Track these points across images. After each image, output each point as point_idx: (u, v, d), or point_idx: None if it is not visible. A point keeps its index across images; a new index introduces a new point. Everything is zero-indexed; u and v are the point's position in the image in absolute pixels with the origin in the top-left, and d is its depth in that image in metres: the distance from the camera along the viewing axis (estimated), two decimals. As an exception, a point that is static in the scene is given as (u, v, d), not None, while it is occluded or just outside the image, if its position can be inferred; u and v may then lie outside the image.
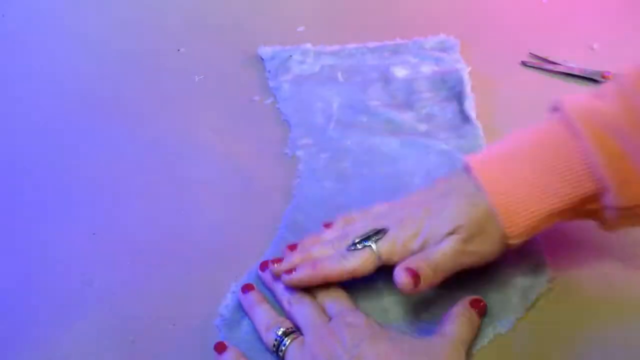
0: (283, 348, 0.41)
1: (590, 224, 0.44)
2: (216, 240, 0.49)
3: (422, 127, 0.59)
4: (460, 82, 0.62)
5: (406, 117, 0.60)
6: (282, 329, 0.42)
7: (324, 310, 0.43)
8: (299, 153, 0.56)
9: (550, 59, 0.66)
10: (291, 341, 0.41)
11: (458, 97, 0.61)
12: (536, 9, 0.74)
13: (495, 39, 0.69)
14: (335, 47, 0.67)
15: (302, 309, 0.43)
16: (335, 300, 0.43)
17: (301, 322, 0.42)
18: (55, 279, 0.47)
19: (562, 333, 0.43)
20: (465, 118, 0.59)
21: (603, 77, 0.63)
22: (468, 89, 0.61)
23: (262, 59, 0.66)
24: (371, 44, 0.67)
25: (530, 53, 0.67)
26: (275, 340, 0.41)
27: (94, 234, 0.50)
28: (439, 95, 0.62)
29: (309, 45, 0.66)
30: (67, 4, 0.75)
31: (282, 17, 0.72)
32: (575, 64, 0.65)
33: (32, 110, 0.61)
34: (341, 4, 0.75)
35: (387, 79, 0.63)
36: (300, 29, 0.70)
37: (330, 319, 0.42)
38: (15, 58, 0.68)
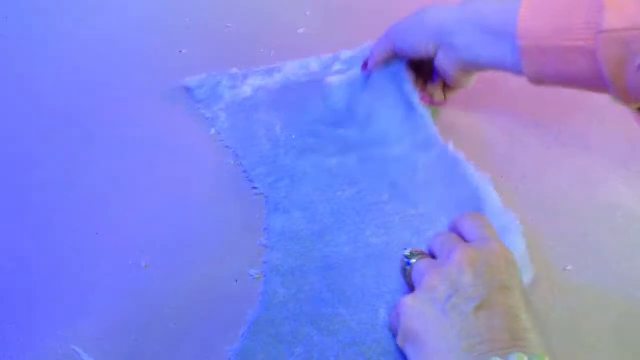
0: (407, 267, 0.43)
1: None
2: (216, 242, 0.50)
3: (370, 132, 0.57)
4: (395, 74, 0.58)
5: (352, 130, 0.58)
6: (409, 250, 0.44)
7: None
8: (257, 185, 0.54)
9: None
10: (417, 260, 0.43)
11: (398, 86, 0.58)
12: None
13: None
14: (263, 68, 0.64)
15: (438, 236, 0.44)
16: (476, 225, 0.43)
17: (435, 247, 0.44)
18: (57, 279, 0.47)
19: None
20: (409, 107, 0.57)
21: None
22: (406, 74, 0.58)
23: (190, 88, 0.62)
24: (305, 61, 0.65)
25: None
26: (402, 261, 0.44)
27: (97, 233, 0.50)
28: (379, 93, 0.59)
29: (235, 70, 0.64)
30: (69, 5, 0.75)
31: (283, 19, 0.72)
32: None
33: (35, 110, 0.62)
34: (342, 5, 0.75)
35: (323, 90, 0.61)
36: (301, 30, 0.70)
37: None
38: (17, 58, 0.68)
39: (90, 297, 0.46)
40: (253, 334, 0.43)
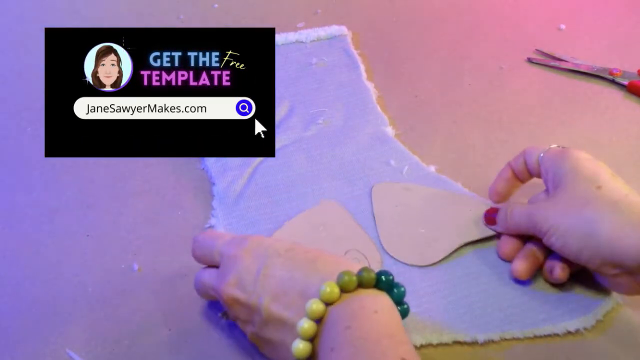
0: None
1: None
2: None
3: (313, 130, 0.57)
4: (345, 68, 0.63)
5: (294, 129, 0.57)
6: None
7: None
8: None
9: (557, 55, 0.65)
10: None
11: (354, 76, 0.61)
12: (542, 5, 0.73)
13: (500, 36, 0.68)
14: None
15: None
16: None
17: None
18: (48, 283, 0.47)
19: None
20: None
21: (611, 73, 0.62)
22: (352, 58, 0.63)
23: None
24: None
25: (536, 49, 0.66)
26: None
27: (88, 235, 0.50)
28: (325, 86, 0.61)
29: None
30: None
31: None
32: (582, 61, 0.64)
33: (26, 109, 0.61)
34: None
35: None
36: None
37: None
38: (14, 56, 0.68)
39: (82, 301, 0.45)
40: None
